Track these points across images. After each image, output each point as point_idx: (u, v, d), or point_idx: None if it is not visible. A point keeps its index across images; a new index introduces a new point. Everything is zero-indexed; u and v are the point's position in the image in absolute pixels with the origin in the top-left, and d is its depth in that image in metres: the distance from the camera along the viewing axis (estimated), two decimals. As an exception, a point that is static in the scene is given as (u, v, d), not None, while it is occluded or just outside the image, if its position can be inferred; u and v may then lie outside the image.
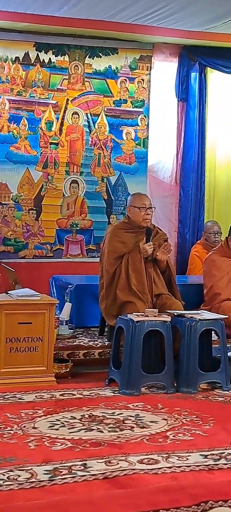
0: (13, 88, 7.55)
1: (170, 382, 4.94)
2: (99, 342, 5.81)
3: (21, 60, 7.54)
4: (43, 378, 5.03)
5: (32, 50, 7.57)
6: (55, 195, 7.78)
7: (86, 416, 4.27)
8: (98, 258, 5.90)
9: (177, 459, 3.54)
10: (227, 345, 5.28)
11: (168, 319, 5.06)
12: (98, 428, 4.03)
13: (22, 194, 7.64)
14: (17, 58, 7.53)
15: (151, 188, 8.04)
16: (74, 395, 4.76)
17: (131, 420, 4.23)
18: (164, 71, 8.14)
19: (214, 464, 3.50)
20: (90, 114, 7.83)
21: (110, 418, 4.23)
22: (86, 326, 6.32)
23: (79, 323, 6.28)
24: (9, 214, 7.60)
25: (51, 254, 7.79)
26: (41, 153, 7.68)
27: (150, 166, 8.15)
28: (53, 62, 7.67)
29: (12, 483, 3.16)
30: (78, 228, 7.89)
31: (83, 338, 5.94)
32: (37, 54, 7.60)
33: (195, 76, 8.25)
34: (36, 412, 4.32)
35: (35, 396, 4.69)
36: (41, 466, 3.39)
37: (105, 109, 7.88)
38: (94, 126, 7.86)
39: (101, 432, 3.97)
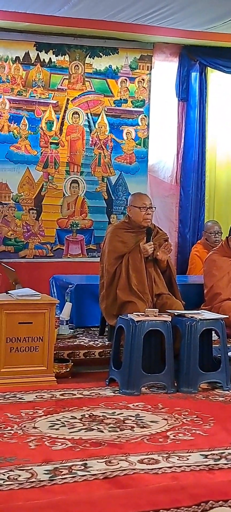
0: (14, 88, 7.55)
1: (170, 382, 4.94)
2: (100, 342, 5.81)
3: (21, 60, 7.54)
4: (44, 378, 5.02)
5: (32, 50, 7.57)
6: (56, 195, 7.77)
7: (87, 416, 4.26)
8: (99, 258, 5.90)
9: (177, 459, 3.54)
10: (228, 345, 5.28)
11: (168, 319, 5.06)
12: (98, 428, 4.03)
13: (22, 194, 7.64)
14: (17, 58, 7.53)
15: (151, 188, 8.04)
16: (75, 395, 4.75)
17: (131, 420, 4.23)
18: (164, 71, 8.14)
19: (214, 464, 3.50)
20: (90, 114, 7.83)
21: (110, 418, 4.23)
22: (86, 326, 6.32)
23: (79, 323, 6.28)
24: (9, 214, 7.60)
25: (52, 254, 7.79)
26: (41, 153, 7.68)
27: (150, 166, 8.15)
28: (54, 62, 7.67)
29: (12, 483, 3.16)
30: (78, 228, 7.89)
31: (84, 338, 5.93)
32: (38, 54, 7.59)
33: (196, 76, 8.24)
34: (37, 412, 4.32)
35: (36, 396, 4.69)
36: (41, 466, 3.39)
37: (106, 109, 7.88)
38: (94, 126, 7.86)
39: (102, 432, 3.97)
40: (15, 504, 2.94)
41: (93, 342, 5.78)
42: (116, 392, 4.86)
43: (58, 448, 3.68)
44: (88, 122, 7.83)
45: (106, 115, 7.89)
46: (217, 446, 3.76)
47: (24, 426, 4.02)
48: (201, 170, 8.29)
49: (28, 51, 7.56)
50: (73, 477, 3.26)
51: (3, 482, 3.15)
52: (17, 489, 3.10)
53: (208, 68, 8.26)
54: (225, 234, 6.77)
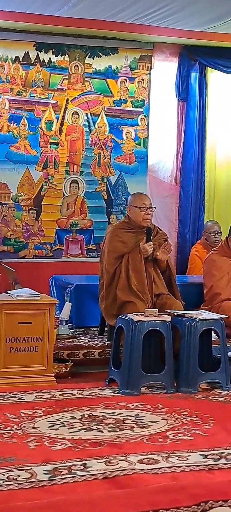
0: (13, 88, 7.55)
1: (170, 382, 4.94)
2: (99, 342, 5.81)
3: (21, 60, 7.54)
4: (43, 378, 5.02)
5: (32, 50, 7.57)
6: (55, 195, 7.77)
7: (86, 416, 4.26)
8: (98, 258, 5.90)
9: (177, 459, 3.54)
10: (227, 345, 5.28)
11: (168, 319, 5.05)
12: (98, 428, 4.03)
13: (22, 194, 7.64)
14: (17, 58, 7.53)
15: (151, 188, 8.04)
16: (74, 395, 4.75)
17: (130, 420, 4.22)
18: (164, 71, 8.14)
19: (214, 464, 3.50)
20: (90, 114, 7.83)
21: (110, 418, 4.23)
22: (86, 326, 6.32)
23: (79, 323, 6.28)
24: (9, 214, 7.59)
25: (51, 254, 7.79)
26: (41, 153, 7.67)
27: (150, 166, 8.15)
28: (53, 62, 7.67)
29: (12, 483, 3.16)
30: (78, 228, 7.88)
31: (83, 338, 5.93)
32: (37, 54, 7.59)
33: (195, 76, 8.25)
34: (36, 412, 4.32)
35: (35, 396, 4.69)
36: (41, 466, 3.38)
37: (106, 109, 7.88)
38: (94, 126, 7.85)
39: (101, 432, 3.97)
40: (14, 504, 2.94)
41: (93, 342, 5.77)
42: (116, 392, 4.86)
43: (57, 448, 3.68)
44: (88, 122, 7.82)
45: (106, 115, 7.89)
46: (216, 446, 3.76)
47: (24, 426, 4.02)
48: (201, 170, 8.29)
49: (27, 51, 7.56)
50: (72, 477, 3.26)
51: (3, 482, 3.15)
52: (17, 489, 3.10)
53: (208, 68, 8.26)
54: (224, 234, 6.77)
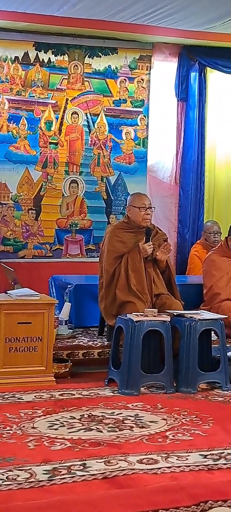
0: (13, 87, 7.55)
1: (169, 382, 4.93)
2: (99, 342, 5.80)
3: (20, 60, 7.54)
4: (43, 378, 5.02)
5: (31, 49, 7.57)
6: (55, 195, 7.77)
7: (86, 416, 4.26)
8: (98, 258, 5.90)
9: (177, 459, 3.54)
10: (227, 345, 5.27)
11: (168, 319, 5.05)
12: (97, 428, 4.03)
13: (21, 194, 7.63)
14: (16, 57, 7.52)
15: (150, 188, 8.04)
16: (74, 395, 4.75)
17: (130, 420, 4.22)
18: (164, 71, 8.14)
19: (213, 464, 3.49)
20: (89, 114, 7.83)
21: (109, 418, 4.23)
22: (85, 326, 6.31)
23: (78, 323, 6.27)
24: (8, 214, 7.59)
25: (51, 254, 7.78)
26: (40, 153, 7.67)
27: (150, 166, 8.15)
28: (53, 61, 7.67)
29: (11, 483, 3.16)
30: (77, 228, 7.88)
31: (83, 338, 5.93)
32: (37, 53, 7.59)
33: (195, 76, 8.25)
34: (36, 412, 4.31)
35: (35, 396, 4.68)
36: (40, 466, 3.38)
37: (105, 109, 7.88)
38: (93, 126, 7.85)
39: (101, 432, 3.97)
40: (14, 504, 2.93)
41: (92, 342, 5.77)
42: (115, 392, 4.86)
43: (57, 448, 3.67)
44: (88, 122, 7.82)
45: (105, 115, 7.89)
46: (216, 446, 3.76)
47: (23, 426, 4.02)
48: (200, 170, 8.29)
49: (27, 51, 7.55)
50: (72, 477, 3.25)
51: (2, 482, 3.15)
52: (16, 489, 3.10)
53: (208, 68, 8.26)
54: (224, 234, 6.78)
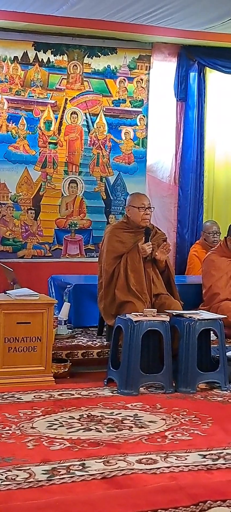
0: (12, 87, 7.55)
1: (168, 382, 4.93)
2: (98, 342, 5.80)
3: (20, 60, 7.54)
4: (42, 378, 5.02)
5: (31, 49, 7.57)
6: (54, 195, 7.77)
7: (85, 416, 4.26)
8: (97, 258, 5.90)
9: (176, 459, 3.54)
10: (226, 345, 5.27)
11: (167, 319, 5.05)
12: (96, 428, 4.03)
13: (20, 193, 7.63)
14: (15, 57, 7.52)
15: (149, 188, 8.04)
16: (73, 395, 4.75)
17: (129, 420, 4.22)
18: (163, 71, 8.13)
19: (212, 464, 3.49)
20: (89, 113, 7.83)
21: (108, 418, 4.23)
22: (85, 326, 6.31)
23: (77, 323, 6.27)
24: (7, 213, 7.59)
25: (50, 254, 7.78)
26: (40, 152, 7.67)
27: (149, 166, 8.15)
28: (52, 61, 7.67)
29: (10, 483, 3.15)
30: (77, 228, 7.88)
31: (82, 338, 5.93)
32: (36, 53, 7.59)
33: (194, 76, 8.24)
34: (35, 412, 4.31)
35: (34, 396, 4.68)
36: (39, 466, 3.38)
37: (104, 109, 7.88)
38: (93, 126, 7.85)
39: (100, 432, 3.97)
40: (13, 504, 2.93)
41: (91, 342, 5.77)
42: (114, 392, 4.86)
43: (56, 448, 3.67)
44: (87, 122, 7.82)
45: (104, 115, 7.88)
46: (215, 446, 3.76)
47: (22, 426, 4.01)
48: (200, 170, 8.29)
49: (26, 51, 7.55)
50: (71, 477, 3.25)
51: (1, 482, 3.15)
52: (15, 489, 3.09)
53: (207, 68, 8.26)
54: (223, 234, 6.78)
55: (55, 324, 5.62)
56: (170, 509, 2.90)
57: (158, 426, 4.10)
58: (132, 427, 4.08)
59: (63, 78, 7.72)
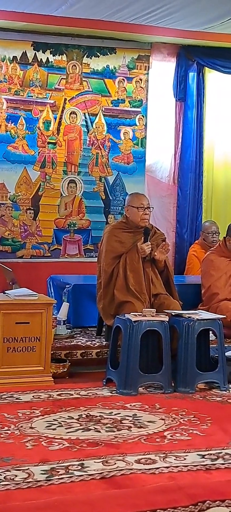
0: (11, 87, 7.54)
1: (167, 382, 4.93)
2: (97, 342, 5.80)
3: (19, 60, 7.54)
4: (41, 378, 5.01)
5: (30, 49, 7.56)
6: (53, 195, 7.77)
7: (84, 416, 4.26)
8: (96, 258, 5.90)
9: (175, 459, 3.54)
10: (225, 345, 5.28)
11: (166, 319, 5.05)
12: (95, 428, 4.02)
13: (19, 193, 7.63)
14: (14, 57, 7.52)
15: (148, 188, 8.04)
16: (72, 395, 4.75)
17: (128, 420, 4.22)
18: (162, 71, 8.13)
19: (211, 464, 3.49)
20: (88, 113, 7.83)
21: (107, 418, 4.22)
22: (84, 326, 6.31)
23: (76, 323, 6.27)
24: (6, 213, 7.59)
25: (49, 254, 7.78)
26: (39, 152, 7.67)
27: (148, 166, 8.15)
28: (51, 61, 7.66)
29: (9, 483, 3.15)
30: (76, 228, 7.88)
31: (81, 338, 5.93)
32: (35, 53, 7.59)
33: (193, 76, 8.24)
34: (34, 412, 4.31)
35: (33, 396, 4.68)
36: (38, 466, 3.38)
37: (103, 109, 7.88)
38: (92, 126, 7.85)
39: (99, 432, 3.97)
40: (12, 504, 2.93)
41: (90, 342, 5.77)
42: (113, 392, 4.86)
43: (55, 448, 3.67)
44: (86, 122, 7.82)
45: (103, 115, 7.88)
46: (214, 446, 3.76)
47: (21, 426, 4.01)
48: (199, 170, 8.29)
49: (25, 51, 7.55)
50: (70, 477, 3.25)
51: (0, 482, 3.15)
52: (14, 489, 3.09)
53: (206, 68, 8.25)
54: (222, 234, 6.78)
55: (54, 324, 5.62)
56: (169, 509, 2.90)
57: (157, 426, 4.10)
58: (130, 427, 4.07)
59: (62, 78, 7.72)
